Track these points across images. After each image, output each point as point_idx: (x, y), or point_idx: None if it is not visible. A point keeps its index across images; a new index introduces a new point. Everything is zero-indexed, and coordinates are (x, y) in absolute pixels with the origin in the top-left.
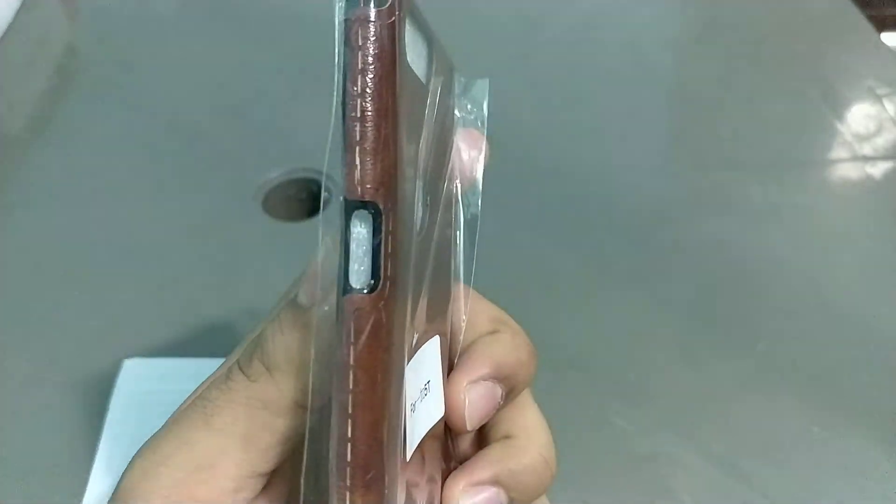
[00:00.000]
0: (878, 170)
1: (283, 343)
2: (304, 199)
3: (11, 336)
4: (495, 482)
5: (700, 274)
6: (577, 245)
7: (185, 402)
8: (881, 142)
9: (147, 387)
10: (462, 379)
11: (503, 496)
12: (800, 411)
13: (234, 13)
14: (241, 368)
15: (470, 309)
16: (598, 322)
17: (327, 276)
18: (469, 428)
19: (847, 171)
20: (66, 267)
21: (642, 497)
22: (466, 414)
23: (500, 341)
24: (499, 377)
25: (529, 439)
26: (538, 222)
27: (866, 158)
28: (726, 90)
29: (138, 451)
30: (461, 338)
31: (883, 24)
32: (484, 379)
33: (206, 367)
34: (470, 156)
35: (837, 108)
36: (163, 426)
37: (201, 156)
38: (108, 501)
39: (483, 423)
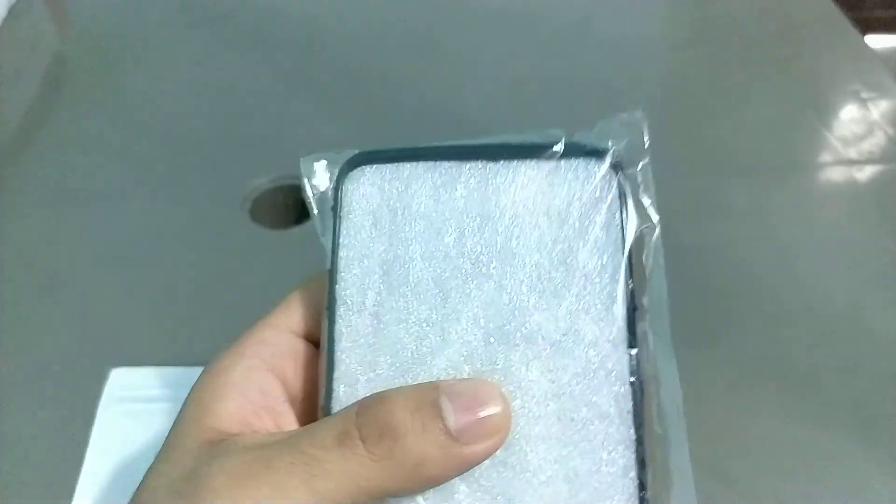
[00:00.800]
0: (863, 173)
1: (421, 449)
2: (291, 206)
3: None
4: None
5: (685, 276)
6: None
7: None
8: (866, 146)
9: (134, 395)
10: None
11: None
12: (785, 413)
13: (222, 21)
14: (363, 440)
15: None
16: None
17: None
18: None
19: (833, 174)
20: (54, 275)
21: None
22: None
23: None
24: None
25: None
26: None
27: (852, 162)
28: (712, 94)
29: (223, 470)
30: None
31: (867, 27)
32: None
33: (193, 375)
34: None
35: (823, 112)
36: (248, 458)
37: (189, 163)
38: None
39: None
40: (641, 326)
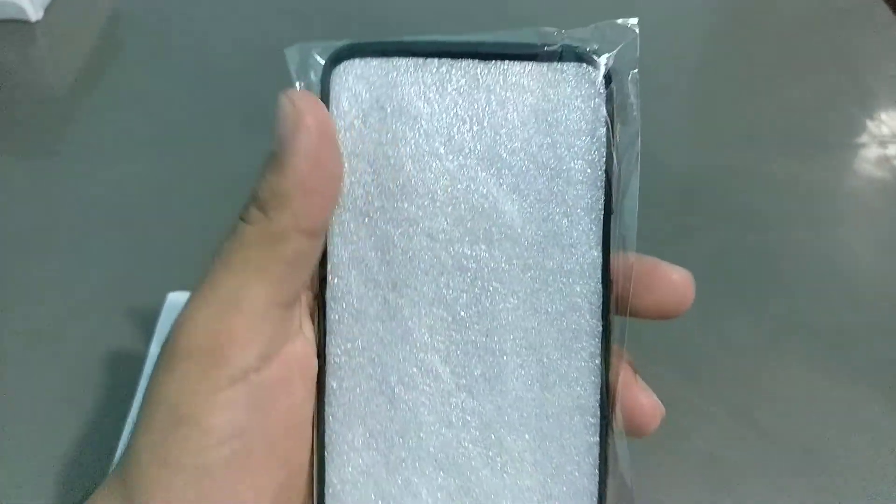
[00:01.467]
0: (894, 151)
1: (267, 185)
2: None
3: (62, 271)
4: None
5: (720, 240)
6: None
7: None
8: None
9: None
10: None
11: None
12: (813, 367)
13: None
14: (242, 218)
15: None
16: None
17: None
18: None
19: (866, 153)
20: (113, 211)
21: (653, 437)
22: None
23: None
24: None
25: None
26: None
27: (885, 141)
28: (751, 72)
29: (183, 305)
30: None
31: None
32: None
33: None
34: None
35: (860, 93)
36: (197, 285)
37: (243, 111)
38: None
39: None
40: (616, 229)
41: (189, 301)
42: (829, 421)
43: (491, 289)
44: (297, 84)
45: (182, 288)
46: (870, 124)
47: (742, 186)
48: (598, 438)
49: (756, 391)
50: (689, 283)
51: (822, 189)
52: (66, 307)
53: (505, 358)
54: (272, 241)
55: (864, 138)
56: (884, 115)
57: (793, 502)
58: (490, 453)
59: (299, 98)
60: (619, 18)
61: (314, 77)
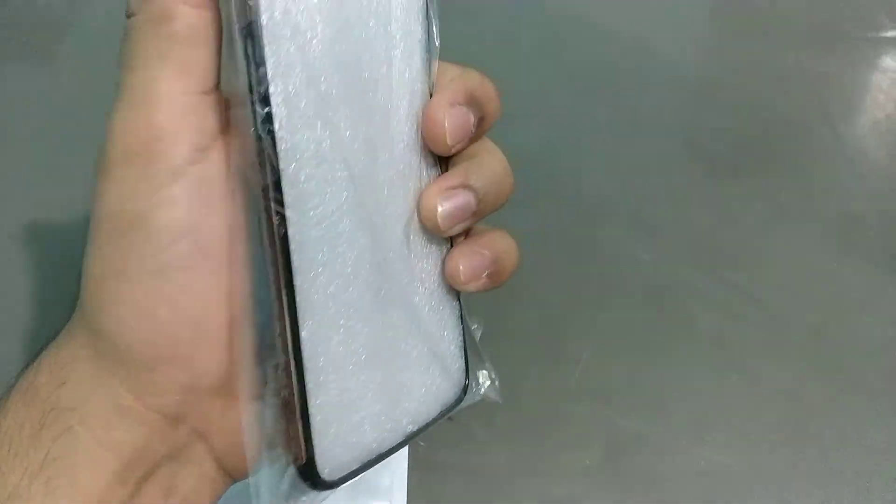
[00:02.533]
0: None
1: None
2: None
3: (59, 173)
4: (465, 186)
5: (728, 128)
6: (611, 97)
7: None
8: None
9: None
10: (441, 101)
11: (472, 199)
12: (817, 249)
13: None
14: (126, 16)
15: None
16: (625, 167)
17: None
18: (450, 144)
19: (884, 46)
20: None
21: (658, 319)
22: (448, 129)
23: (470, 75)
24: (471, 103)
25: (490, 154)
26: (575, 77)
27: None
28: None
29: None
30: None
31: None
32: (460, 103)
33: None
34: None
35: None
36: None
37: None
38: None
39: (459, 147)
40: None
41: (110, 111)
42: (839, 303)
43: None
44: None
45: None
46: (887, 18)
47: (754, 79)
48: (457, 302)
49: (764, 274)
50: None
51: (836, 82)
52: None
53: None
54: (160, 24)
55: (881, 32)
56: None
57: (799, 381)
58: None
59: None
60: None
61: None
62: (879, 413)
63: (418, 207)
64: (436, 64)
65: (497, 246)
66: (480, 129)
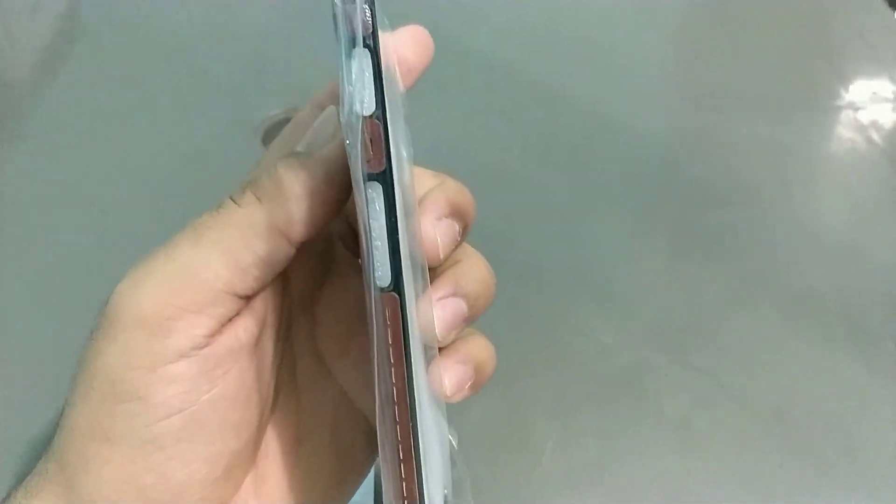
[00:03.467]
0: (866, 114)
1: (276, 178)
2: None
3: (20, 255)
4: (456, 294)
5: (688, 199)
6: (571, 170)
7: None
8: (870, 87)
9: None
10: (430, 217)
11: (464, 305)
12: (780, 328)
13: None
14: (232, 199)
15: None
16: (591, 246)
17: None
18: (441, 258)
19: (839, 116)
20: (74, 195)
21: (623, 403)
22: (440, 244)
23: (449, 185)
24: (456, 214)
25: (474, 259)
26: (535, 150)
27: (856, 104)
28: (724, 35)
29: (131, 270)
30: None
31: None
32: (446, 216)
33: None
34: (416, 57)
35: (832, 56)
36: (154, 251)
37: (204, 91)
38: (100, 310)
39: (446, 256)
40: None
41: (139, 266)
42: (802, 383)
43: None
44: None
45: None
46: (841, 88)
47: (713, 150)
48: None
49: (728, 355)
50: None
51: (793, 152)
52: (25, 292)
53: None
54: (254, 231)
55: (836, 101)
56: (855, 78)
57: (764, 465)
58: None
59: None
60: None
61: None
62: (843, 494)
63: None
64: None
65: (479, 356)
66: (463, 237)
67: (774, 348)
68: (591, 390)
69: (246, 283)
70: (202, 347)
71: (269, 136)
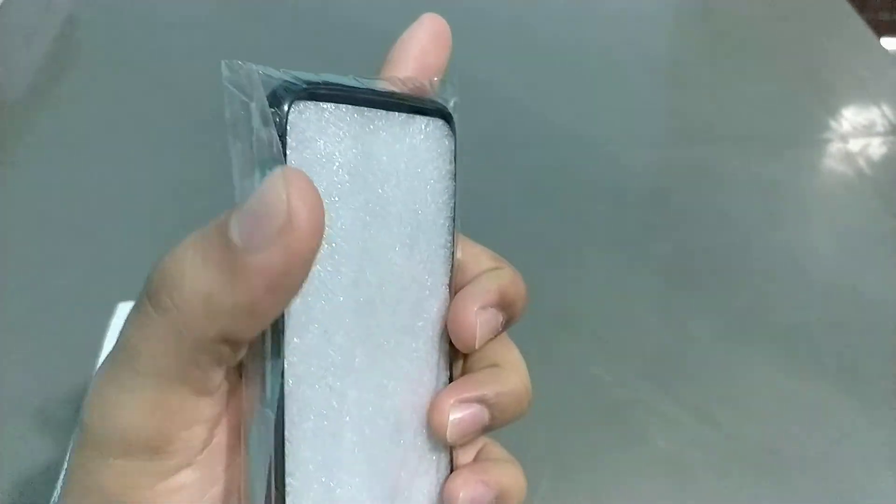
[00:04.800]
0: (856, 146)
1: (199, 280)
2: None
3: (12, 279)
4: (481, 401)
5: (680, 237)
6: (564, 209)
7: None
8: (860, 119)
9: None
10: (473, 304)
11: (486, 414)
12: (773, 365)
13: None
14: (148, 301)
15: (467, 251)
16: (581, 281)
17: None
18: (477, 347)
19: (828, 149)
20: (67, 218)
21: (617, 440)
22: (478, 335)
23: (503, 275)
24: (502, 305)
25: (513, 369)
26: (527, 188)
27: (846, 136)
28: (713, 70)
29: (95, 380)
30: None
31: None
32: (491, 305)
33: None
34: (435, 58)
35: (821, 89)
36: (107, 360)
37: (199, 115)
38: (75, 433)
39: (483, 346)
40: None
41: (99, 391)
42: (793, 420)
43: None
44: (248, 102)
45: (133, 298)
46: (831, 121)
47: (704, 184)
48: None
49: (718, 391)
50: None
51: (784, 186)
52: (14, 316)
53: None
54: (187, 342)
55: (825, 135)
56: (845, 111)
57: (756, 501)
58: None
59: (297, 182)
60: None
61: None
62: None
63: (428, 412)
64: (457, 246)
65: (503, 481)
66: (505, 328)
67: (765, 384)
68: (585, 426)
69: (214, 378)
70: (202, 451)
71: None
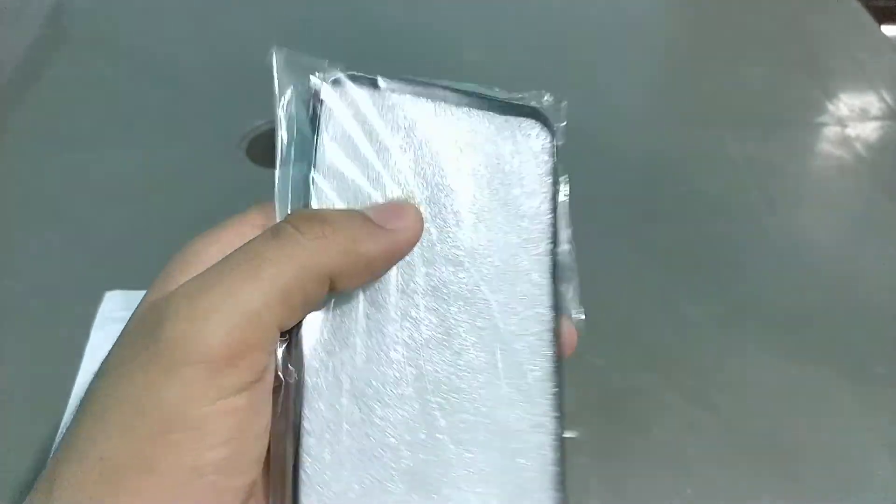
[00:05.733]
0: (854, 130)
1: (348, 223)
2: None
3: None
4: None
5: (679, 222)
6: None
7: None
8: (857, 103)
9: (126, 315)
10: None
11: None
12: (773, 350)
13: None
14: (296, 227)
15: None
16: (580, 267)
17: None
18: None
19: (825, 132)
20: (53, 206)
21: (613, 428)
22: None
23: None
24: None
25: None
26: None
27: (843, 120)
28: (708, 52)
29: (179, 294)
30: None
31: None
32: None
33: None
34: None
35: (818, 72)
36: (202, 275)
37: (188, 103)
38: (146, 347)
39: None
40: (560, 261)
41: (195, 300)
42: (790, 405)
43: (457, 309)
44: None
45: (120, 286)
46: (828, 103)
47: (700, 168)
48: (556, 455)
49: (715, 377)
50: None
51: (780, 170)
52: (3, 302)
53: (469, 373)
54: (310, 273)
55: (822, 118)
56: (842, 94)
57: (755, 489)
58: (457, 471)
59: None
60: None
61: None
62: None
63: None
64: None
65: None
66: None
67: (763, 370)
68: (581, 413)
69: (292, 322)
70: (257, 381)
71: (253, 147)
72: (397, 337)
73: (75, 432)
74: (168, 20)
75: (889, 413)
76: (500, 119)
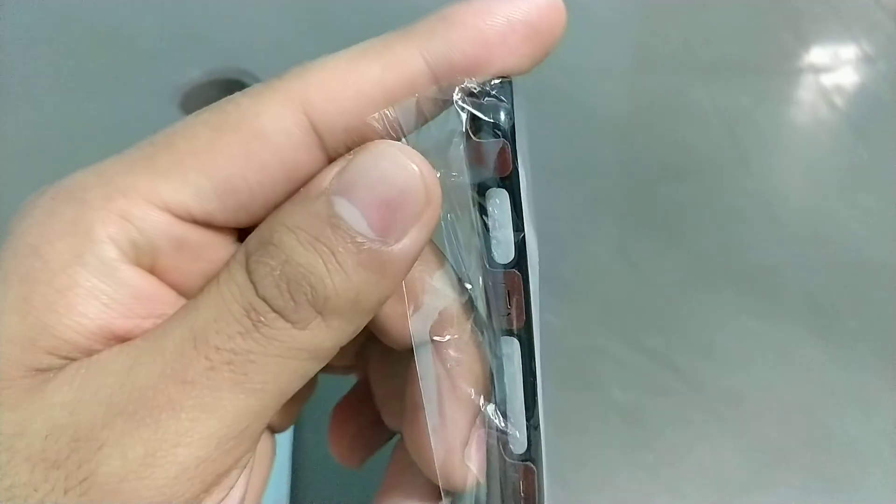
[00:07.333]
0: (828, 79)
1: (348, 285)
2: None
3: None
4: None
5: (639, 171)
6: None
7: None
8: (832, 50)
9: None
10: None
11: None
12: (735, 307)
13: None
14: (280, 314)
15: None
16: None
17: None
18: None
19: (800, 80)
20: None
21: (571, 389)
22: None
23: None
24: None
25: None
26: None
27: (818, 69)
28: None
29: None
30: None
31: None
32: None
33: None
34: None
35: (793, 18)
36: (122, 391)
37: (118, 54)
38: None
39: None
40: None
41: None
42: (758, 364)
43: None
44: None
45: None
46: (802, 50)
47: (668, 117)
48: None
49: (679, 336)
50: None
51: (751, 118)
52: None
53: None
54: (317, 357)
55: (796, 64)
56: (818, 41)
57: (719, 453)
58: None
59: (415, 157)
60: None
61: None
62: (801, 481)
63: None
64: None
65: None
66: None
67: (731, 330)
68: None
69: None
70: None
71: (188, 100)
72: None
73: None
74: None
75: (857, 366)
76: None
